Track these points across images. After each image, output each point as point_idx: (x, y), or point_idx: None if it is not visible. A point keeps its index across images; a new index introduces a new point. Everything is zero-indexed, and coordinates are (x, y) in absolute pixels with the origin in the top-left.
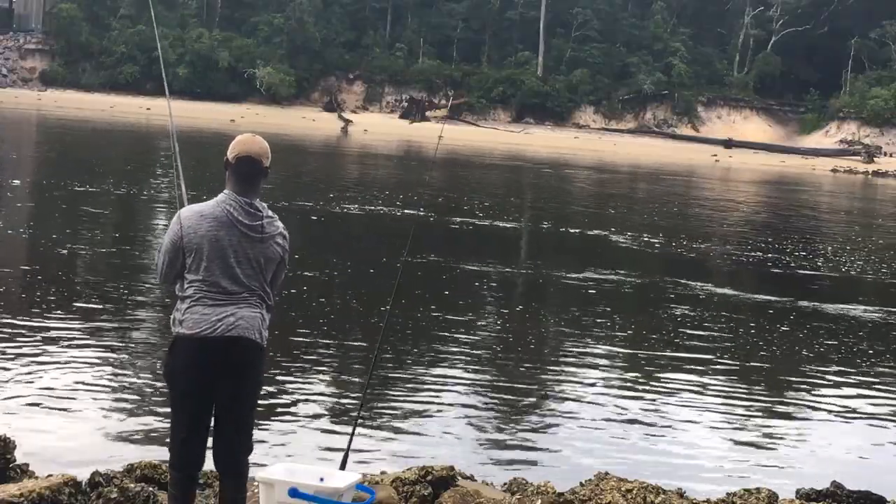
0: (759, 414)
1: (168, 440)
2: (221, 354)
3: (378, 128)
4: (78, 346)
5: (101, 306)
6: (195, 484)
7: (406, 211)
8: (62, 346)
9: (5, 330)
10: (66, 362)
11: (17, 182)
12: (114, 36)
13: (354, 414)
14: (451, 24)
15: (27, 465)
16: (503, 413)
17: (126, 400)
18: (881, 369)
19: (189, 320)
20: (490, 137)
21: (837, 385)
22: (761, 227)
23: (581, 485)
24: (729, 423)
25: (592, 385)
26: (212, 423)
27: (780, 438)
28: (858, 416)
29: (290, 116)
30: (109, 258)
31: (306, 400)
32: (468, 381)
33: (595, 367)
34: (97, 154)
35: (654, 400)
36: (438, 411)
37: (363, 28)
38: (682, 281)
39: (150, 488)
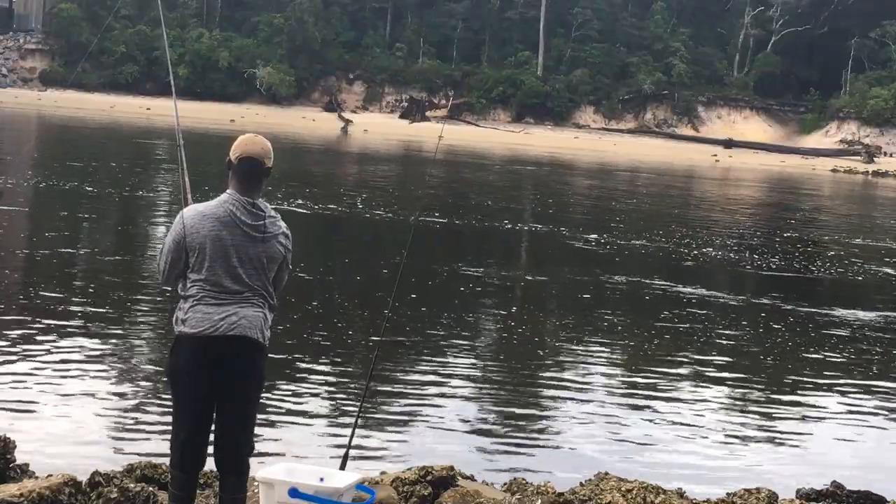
0: (759, 414)
1: (169, 439)
2: (223, 353)
3: (378, 128)
4: (78, 346)
5: (101, 306)
6: (196, 484)
7: (406, 211)
8: (63, 346)
9: (5, 330)
10: (66, 362)
11: (16, 182)
12: (114, 36)
13: (354, 414)
14: (451, 24)
15: (27, 465)
16: (503, 413)
17: (126, 400)
18: (881, 370)
19: (192, 319)
20: (490, 137)
21: (837, 385)
22: (760, 228)
23: (581, 485)
24: (729, 423)
25: (592, 385)
26: (213, 423)
27: (780, 438)
28: (858, 415)
29: (290, 116)
30: (110, 258)
31: (306, 400)
32: (468, 382)
33: (595, 367)
34: (97, 154)
35: (653, 400)
36: (438, 411)
37: (363, 28)
38: (681, 283)
39: (150, 488)
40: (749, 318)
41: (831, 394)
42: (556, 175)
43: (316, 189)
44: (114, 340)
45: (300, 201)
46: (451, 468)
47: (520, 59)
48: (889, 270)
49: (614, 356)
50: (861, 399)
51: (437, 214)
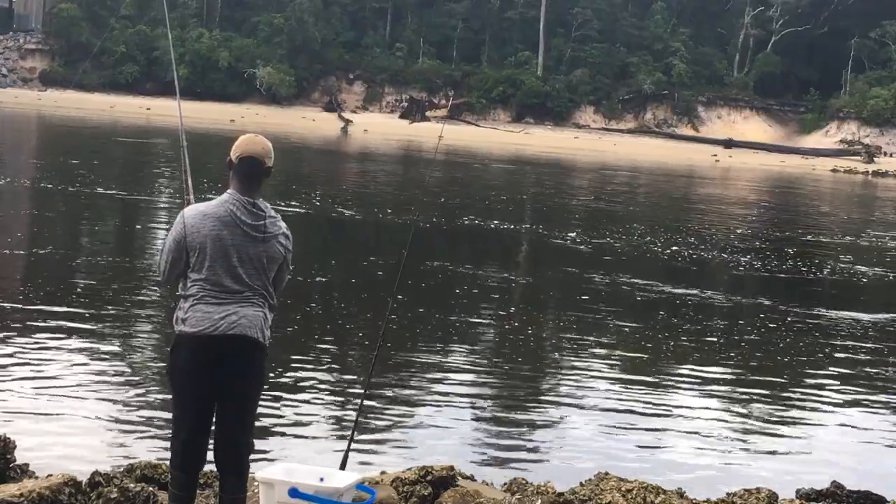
0: (760, 414)
1: (169, 439)
2: (223, 353)
3: (378, 128)
4: (78, 346)
5: (101, 305)
6: (196, 484)
7: (406, 212)
8: (63, 346)
9: (6, 330)
10: (66, 362)
11: (16, 183)
12: (114, 36)
13: (354, 414)
14: (451, 24)
15: (27, 465)
16: (503, 413)
17: (126, 400)
18: (881, 370)
19: (192, 319)
20: (490, 137)
21: (837, 385)
22: (760, 228)
23: (581, 485)
24: (729, 422)
25: (592, 385)
26: (213, 423)
27: (780, 438)
28: (858, 416)
29: (290, 116)
30: (110, 258)
31: (306, 399)
32: (468, 382)
33: (595, 367)
34: (97, 154)
35: (654, 400)
36: (438, 411)
37: (363, 28)
38: (682, 284)
39: (150, 488)
40: (749, 319)
41: (831, 394)
42: (555, 175)
43: (315, 190)
44: (114, 340)
45: (300, 202)
46: (451, 468)
47: (520, 59)
48: (887, 271)
49: (614, 356)
50: (861, 399)
51: (437, 214)
